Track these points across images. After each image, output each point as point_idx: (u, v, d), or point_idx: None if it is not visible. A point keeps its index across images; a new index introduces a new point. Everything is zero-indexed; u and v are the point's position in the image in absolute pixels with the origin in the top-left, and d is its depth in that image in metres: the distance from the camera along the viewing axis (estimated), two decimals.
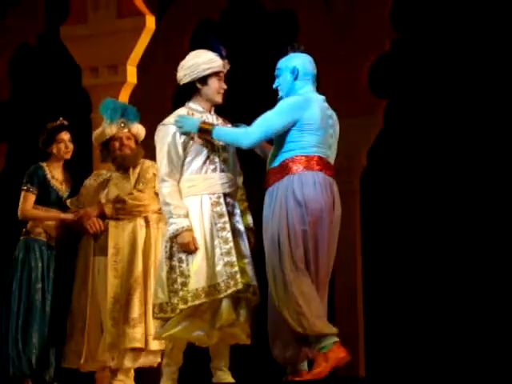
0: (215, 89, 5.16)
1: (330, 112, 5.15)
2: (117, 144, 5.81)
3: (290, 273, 4.88)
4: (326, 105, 5.14)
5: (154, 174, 5.75)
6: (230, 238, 5.04)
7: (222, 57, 5.15)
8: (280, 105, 5.04)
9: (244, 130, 5.04)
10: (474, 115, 7.67)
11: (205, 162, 5.11)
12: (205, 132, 5.05)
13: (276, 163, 5.01)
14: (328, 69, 7.93)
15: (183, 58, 8.41)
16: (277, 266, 4.92)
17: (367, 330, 7.92)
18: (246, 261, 5.07)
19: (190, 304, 4.97)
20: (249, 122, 5.08)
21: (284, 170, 4.97)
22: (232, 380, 5.13)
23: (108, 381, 5.79)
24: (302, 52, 5.19)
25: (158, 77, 8.20)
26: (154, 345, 5.60)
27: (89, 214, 5.75)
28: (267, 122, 4.97)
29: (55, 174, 5.92)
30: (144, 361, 5.72)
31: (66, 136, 5.91)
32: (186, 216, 5.03)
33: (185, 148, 5.10)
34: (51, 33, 8.08)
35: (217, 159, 5.12)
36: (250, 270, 5.06)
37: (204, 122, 5.09)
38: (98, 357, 5.66)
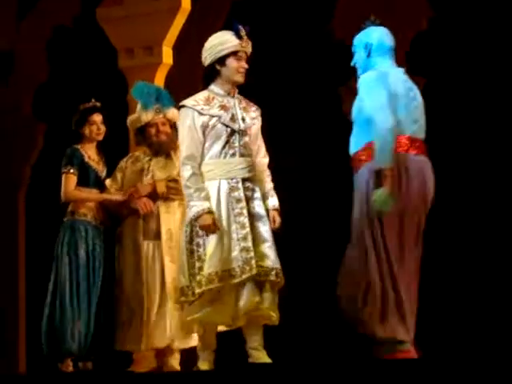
0: (234, 68, 5.12)
1: (410, 84, 5.00)
2: (153, 130, 5.81)
3: None
4: (405, 77, 4.99)
5: None
6: (247, 224, 5.02)
7: (239, 36, 5.09)
8: (363, 88, 4.94)
9: (376, 136, 4.86)
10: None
11: (224, 147, 5.09)
12: None
13: (359, 146, 4.90)
14: None
15: None
16: None
17: None
18: (268, 244, 5.05)
19: (204, 288, 4.99)
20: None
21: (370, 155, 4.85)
22: (268, 359, 5.10)
23: (148, 361, 5.76)
24: (379, 25, 5.07)
25: (192, 58, 8.10)
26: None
27: (140, 192, 5.72)
28: (377, 108, 4.84)
29: (91, 155, 5.95)
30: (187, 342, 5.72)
31: (98, 118, 5.93)
32: (207, 199, 5.03)
33: (204, 132, 5.06)
34: (87, 15, 8.06)
35: (236, 144, 5.09)
36: (271, 253, 5.04)
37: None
38: (155, 341, 5.67)
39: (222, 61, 5.12)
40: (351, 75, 7.86)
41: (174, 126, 5.82)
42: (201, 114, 5.10)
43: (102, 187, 5.91)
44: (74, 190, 5.85)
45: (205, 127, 5.07)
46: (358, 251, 4.86)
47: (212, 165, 5.08)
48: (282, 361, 5.13)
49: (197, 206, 5.01)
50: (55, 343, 5.77)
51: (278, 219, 5.16)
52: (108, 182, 5.91)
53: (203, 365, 5.14)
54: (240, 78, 5.13)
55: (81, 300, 5.76)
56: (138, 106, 5.87)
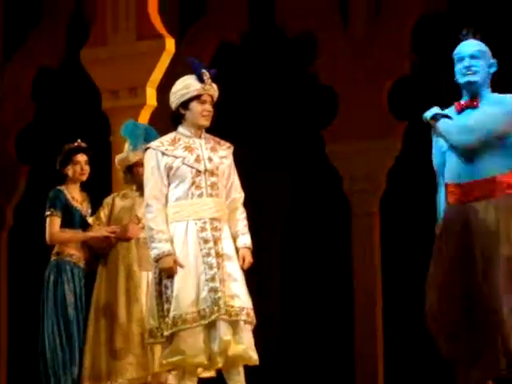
0: (197, 112, 4.99)
1: None
2: (140, 170, 5.74)
3: None
4: None
5: None
6: (215, 264, 4.89)
7: (201, 80, 5.02)
8: None
9: None
10: None
11: (190, 188, 4.97)
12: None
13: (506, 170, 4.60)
14: (347, 90, 7.90)
15: None
16: None
17: (386, 349, 7.77)
18: (237, 284, 4.92)
19: (171, 330, 4.86)
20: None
21: None
22: None
23: None
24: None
25: None
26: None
27: (129, 234, 5.70)
28: None
29: (75, 196, 5.90)
30: None
31: (82, 158, 5.87)
32: (168, 241, 4.91)
33: (168, 173, 4.97)
34: (72, 56, 8.04)
35: (203, 184, 4.96)
36: (241, 293, 4.91)
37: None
38: (155, 368, 5.54)
39: (185, 105, 5.01)
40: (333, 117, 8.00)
41: None
42: (164, 154, 4.99)
43: (86, 227, 5.85)
44: (59, 231, 5.79)
45: (169, 169, 4.97)
46: None
47: (179, 206, 4.98)
48: None
49: (157, 249, 4.91)
50: (51, 381, 5.70)
51: (248, 258, 5.01)
52: (91, 219, 5.87)
53: None
54: (204, 122, 5.04)
55: (73, 342, 5.69)
56: (126, 146, 5.84)
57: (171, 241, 4.92)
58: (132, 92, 7.25)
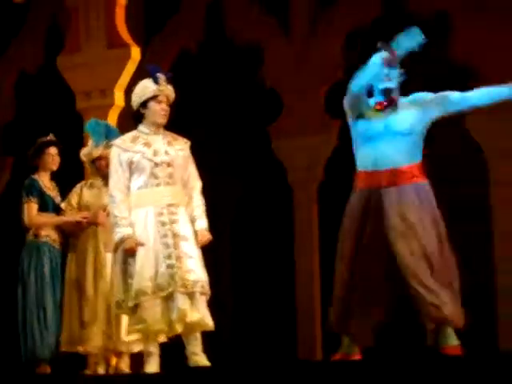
0: (155, 111, 5.10)
1: None
2: (103, 163, 5.84)
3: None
4: None
5: None
6: (171, 243, 4.99)
7: (156, 82, 5.07)
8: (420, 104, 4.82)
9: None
10: None
11: (149, 178, 5.06)
12: None
13: (412, 161, 4.73)
14: (290, 93, 7.95)
15: None
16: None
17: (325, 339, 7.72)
18: (193, 261, 5.01)
19: (135, 301, 4.97)
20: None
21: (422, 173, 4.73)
22: (207, 362, 5.05)
23: (95, 366, 5.71)
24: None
25: None
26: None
27: (97, 219, 5.77)
28: None
29: (46, 184, 5.91)
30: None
31: (53, 150, 5.90)
32: (129, 226, 5.03)
33: (130, 167, 5.07)
34: (49, 62, 8.04)
35: (160, 174, 5.06)
36: (196, 268, 5.00)
37: None
38: (122, 338, 5.61)
39: (144, 105, 5.11)
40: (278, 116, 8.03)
41: None
42: (126, 150, 5.09)
43: (58, 211, 5.86)
44: (36, 215, 5.79)
45: (130, 162, 5.07)
46: (440, 250, 4.64)
47: (140, 195, 5.07)
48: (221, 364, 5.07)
49: (120, 232, 5.02)
50: (30, 353, 5.76)
51: (205, 236, 5.11)
52: (63, 205, 5.91)
53: (150, 369, 5.07)
54: (161, 119, 5.13)
55: (48, 315, 5.74)
56: (90, 142, 5.88)
57: (132, 225, 5.03)
58: (102, 94, 7.35)
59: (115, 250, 5.08)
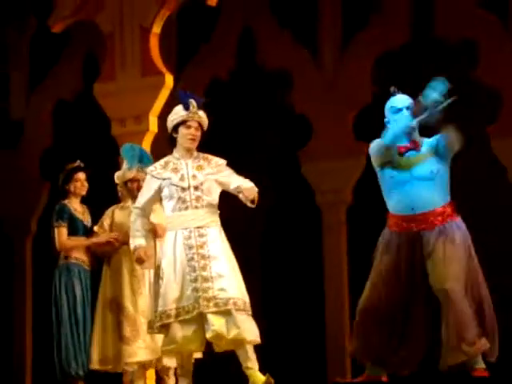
0: (183, 136, 5.16)
1: None
2: (135, 185, 5.89)
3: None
4: None
5: None
6: (197, 267, 5.02)
7: (186, 108, 5.11)
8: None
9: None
10: None
11: (177, 203, 5.12)
12: None
13: (443, 203, 4.77)
14: (319, 118, 7.99)
15: None
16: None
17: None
18: (223, 279, 5.02)
19: (160, 323, 5.01)
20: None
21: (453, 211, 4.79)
22: (260, 376, 5.01)
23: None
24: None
25: None
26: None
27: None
28: None
29: (76, 208, 5.97)
30: None
31: (82, 175, 6.00)
32: (141, 237, 5.15)
33: (159, 193, 5.18)
34: (86, 90, 8.14)
35: (188, 198, 5.11)
36: (229, 285, 5.01)
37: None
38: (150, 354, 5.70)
39: (175, 129, 5.19)
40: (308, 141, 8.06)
41: None
42: (155, 178, 5.19)
43: (88, 234, 5.92)
44: (67, 239, 5.86)
45: (159, 189, 5.17)
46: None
47: (170, 218, 5.16)
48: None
49: (133, 243, 5.15)
50: (66, 370, 5.81)
51: (253, 189, 5.04)
52: (96, 228, 5.98)
53: None
54: (189, 144, 5.18)
55: (80, 333, 5.77)
56: (124, 164, 5.94)
57: (145, 238, 5.16)
58: (137, 120, 7.39)
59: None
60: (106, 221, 5.95)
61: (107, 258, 5.89)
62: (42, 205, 8.66)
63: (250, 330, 5.00)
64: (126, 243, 5.80)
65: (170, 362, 5.69)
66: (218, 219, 5.17)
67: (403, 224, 4.74)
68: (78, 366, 5.74)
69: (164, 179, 5.15)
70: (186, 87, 8.20)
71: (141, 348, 5.66)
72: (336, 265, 7.82)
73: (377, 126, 7.86)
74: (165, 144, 7.83)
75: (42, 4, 8.42)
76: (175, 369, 5.78)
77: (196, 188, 5.12)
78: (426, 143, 4.84)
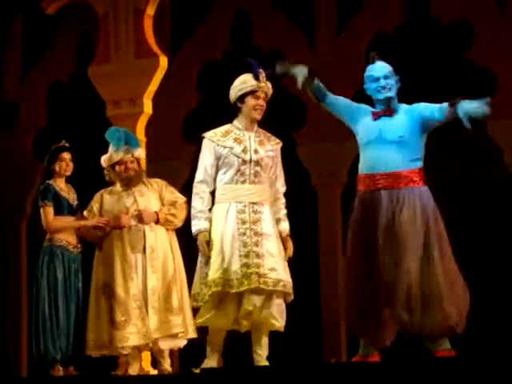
0: (251, 106, 5.06)
1: None
2: (122, 167, 5.84)
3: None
4: None
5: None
6: (249, 243, 4.93)
7: (256, 78, 5.03)
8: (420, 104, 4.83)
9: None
10: None
11: (235, 174, 5.00)
12: None
13: (411, 167, 4.75)
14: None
15: (191, 91, 8.46)
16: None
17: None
18: (275, 259, 4.95)
19: (210, 291, 4.92)
20: None
21: (420, 179, 4.74)
22: (265, 362, 5.01)
23: (126, 366, 5.73)
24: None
25: (170, 107, 8.19)
26: (193, 332, 5.51)
27: (122, 222, 5.73)
28: None
29: (62, 187, 5.93)
30: (174, 343, 5.72)
31: (67, 156, 5.95)
32: (207, 220, 4.98)
33: (218, 161, 5.01)
34: (81, 72, 8.11)
35: (247, 172, 5.00)
36: (279, 267, 4.94)
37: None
38: (153, 336, 5.64)
39: (241, 99, 5.05)
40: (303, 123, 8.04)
41: (139, 164, 5.86)
42: (216, 144, 5.03)
43: (74, 213, 5.88)
44: (54, 219, 5.81)
45: (219, 157, 5.01)
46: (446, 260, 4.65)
47: (224, 189, 5.02)
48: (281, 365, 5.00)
49: (197, 225, 4.99)
50: (42, 353, 5.74)
51: (290, 245, 5.10)
52: (85, 212, 5.92)
53: (209, 363, 5.06)
54: (256, 115, 5.07)
55: (60, 318, 5.73)
56: (110, 148, 5.88)
57: (210, 220, 4.96)
58: (131, 102, 7.35)
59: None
60: (95, 205, 5.89)
61: (99, 242, 5.87)
62: (37, 187, 8.58)
63: (280, 318, 4.95)
64: (116, 227, 5.78)
65: (164, 345, 5.68)
66: (270, 198, 5.06)
67: (366, 182, 4.78)
68: (55, 349, 5.68)
69: (226, 147, 5.00)
70: (180, 68, 8.23)
71: (132, 333, 5.61)
72: (331, 246, 7.84)
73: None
74: (159, 125, 7.87)
75: None
76: (170, 350, 5.79)
77: (256, 163, 5.00)
78: (404, 110, 4.84)
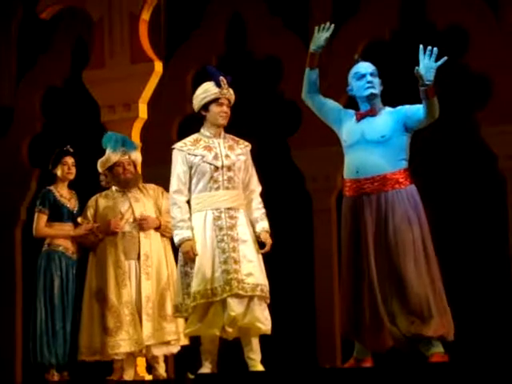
0: (216, 113, 5.09)
1: None
2: (120, 169, 5.87)
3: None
4: None
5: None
6: (227, 249, 4.96)
7: (218, 85, 5.07)
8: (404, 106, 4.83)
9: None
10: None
11: (209, 182, 5.03)
12: None
13: (397, 168, 4.73)
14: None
15: (185, 96, 8.47)
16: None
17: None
18: (253, 264, 4.98)
19: (194, 303, 4.95)
20: None
21: (406, 179, 4.72)
22: (260, 367, 5.04)
23: (121, 372, 5.74)
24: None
25: (165, 112, 8.21)
26: (185, 339, 5.54)
27: (116, 226, 5.75)
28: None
29: (63, 193, 5.97)
30: (167, 350, 5.75)
31: (69, 160, 5.97)
32: (189, 228, 4.99)
33: (190, 170, 5.02)
34: (75, 76, 8.11)
35: (220, 178, 5.03)
36: (256, 271, 4.97)
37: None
38: (145, 342, 5.68)
39: (205, 107, 5.09)
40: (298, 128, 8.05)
41: (136, 168, 5.87)
42: (187, 153, 5.07)
43: (75, 220, 5.90)
44: (45, 226, 5.84)
45: (191, 166, 5.04)
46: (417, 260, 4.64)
47: (199, 198, 5.05)
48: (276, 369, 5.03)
49: (179, 235, 5.00)
50: (38, 358, 5.73)
51: (268, 240, 5.09)
52: (80, 219, 5.93)
53: (204, 371, 5.08)
54: (222, 121, 5.11)
55: (56, 322, 5.73)
56: (107, 151, 5.91)
57: (192, 228, 4.97)
58: (126, 107, 7.36)
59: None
60: (89, 210, 5.91)
61: (93, 248, 5.87)
62: (32, 193, 8.60)
63: (265, 321, 4.97)
64: (107, 233, 5.79)
65: (158, 351, 5.69)
66: (245, 202, 5.10)
67: (352, 186, 4.75)
68: (50, 354, 5.70)
69: (197, 156, 5.05)
70: (175, 73, 8.24)
71: (124, 340, 5.64)
72: (326, 251, 7.82)
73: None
74: (154, 130, 7.88)
75: None
76: (165, 356, 5.81)
77: (229, 168, 5.04)
78: (387, 111, 4.84)
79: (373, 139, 4.76)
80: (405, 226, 4.66)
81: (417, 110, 4.78)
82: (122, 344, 5.64)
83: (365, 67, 4.90)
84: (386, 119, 4.80)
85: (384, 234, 4.66)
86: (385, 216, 4.67)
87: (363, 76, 4.86)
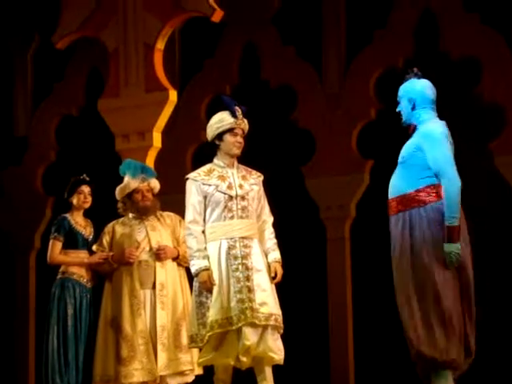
0: (230, 143, 5.10)
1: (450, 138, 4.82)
2: (139, 196, 5.87)
3: None
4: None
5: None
6: (242, 278, 4.98)
7: (234, 116, 5.10)
8: (434, 139, 4.68)
9: (447, 182, 4.65)
10: None
11: (223, 211, 5.05)
12: None
13: (415, 187, 4.70)
14: (323, 134, 8.02)
15: (199, 125, 8.52)
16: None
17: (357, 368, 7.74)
18: (266, 293, 4.99)
19: (211, 332, 4.95)
20: None
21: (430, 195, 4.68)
22: None
23: None
24: (421, 77, 4.85)
25: (179, 140, 8.26)
26: (200, 369, 5.54)
27: (132, 256, 5.74)
28: (446, 158, 4.66)
29: (78, 221, 5.97)
30: (182, 379, 5.75)
31: (86, 189, 6.00)
32: (205, 258, 5.00)
33: (205, 199, 5.05)
34: (90, 105, 8.15)
35: (234, 208, 5.06)
36: (270, 301, 4.99)
37: None
38: (159, 373, 5.68)
39: (220, 137, 5.11)
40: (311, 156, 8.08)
41: (154, 195, 5.89)
42: (201, 183, 5.09)
43: (90, 248, 5.91)
44: (59, 254, 5.86)
45: (205, 195, 5.06)
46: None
47: (214, 227, 5.07)
48: None
49: (196, 265, 5.01)
50: None
51: (279, 270, 5.11)
52: (94, 247, 5.92)
53: None
54: (236, 151, 5.13)
55: (69, 351, 5.73)
56: (126, 178, 5.93)
57: (208, 258, 5.00)
58: (141, 136, 7.38)
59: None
60: (105, 237, 5.91)
61: (109, 276, 5.88)
62: (46, 220, 8.65)
63: (278, 351, 4.98)
64: (124, 263, 5.80)
65: (173, 381, 5.68)
66: (257, 231, 5.12)
67: (389, 207, 4.81)
68: (62, 382, 5.71)
69: (211, 185, 5.08)
70: (189, 102, 8.30)
71: (137, 369, 5.63)
72: (340, 280, 7.83)
73: (381, 141, 7.94)
74: (168, 158, 7.92)
75: (46, 20, 8.47)
76: None
77: (242, 198, 5.07)
78: (419, 132, 4.80)
79: (399, 160, 4.83)
80: (423, 244, 4.64)
81: (427, 160, 4.73)
82: (135, 374, 5.63)
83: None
84: (413, 140, 4.81)
85: (406, 253, 4.66)
86: (408, 235, 4.66)
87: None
